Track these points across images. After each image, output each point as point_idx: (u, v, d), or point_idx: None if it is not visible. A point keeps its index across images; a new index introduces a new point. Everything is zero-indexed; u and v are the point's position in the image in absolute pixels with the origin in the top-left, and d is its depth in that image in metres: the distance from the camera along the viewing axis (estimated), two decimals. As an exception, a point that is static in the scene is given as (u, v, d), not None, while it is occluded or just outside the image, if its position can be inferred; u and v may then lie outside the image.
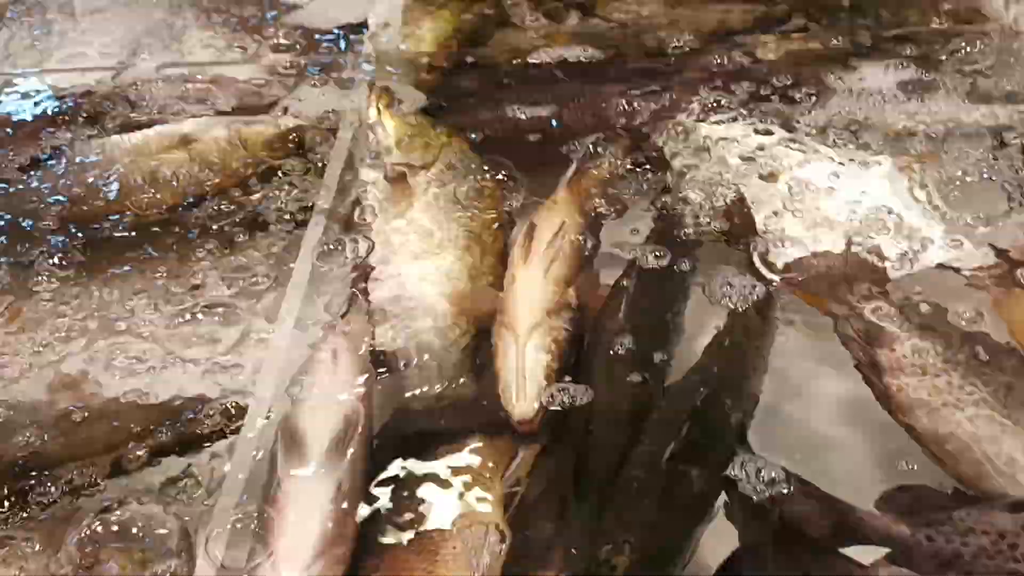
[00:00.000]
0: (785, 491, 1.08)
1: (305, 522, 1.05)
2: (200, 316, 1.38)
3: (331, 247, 1.45)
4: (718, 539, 1.09)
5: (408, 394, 1.28)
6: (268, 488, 1.10)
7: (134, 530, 1.07)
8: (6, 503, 1.13)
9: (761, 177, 1.49)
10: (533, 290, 1.28)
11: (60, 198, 1.56)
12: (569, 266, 1.34)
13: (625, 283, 1.34)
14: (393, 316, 1.35)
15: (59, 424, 1.22)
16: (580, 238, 1.39)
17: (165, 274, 1.44)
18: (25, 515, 1.12)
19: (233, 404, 1.24)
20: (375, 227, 1.48)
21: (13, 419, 1.23)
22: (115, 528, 1.07)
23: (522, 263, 1.32)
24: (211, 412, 1.23)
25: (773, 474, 1.09)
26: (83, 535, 1.06)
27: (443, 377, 1.30)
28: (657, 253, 1.35)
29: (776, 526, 1.07)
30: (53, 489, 1.14)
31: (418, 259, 1.42)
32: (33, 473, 1.16)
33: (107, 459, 1.17)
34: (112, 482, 1.16)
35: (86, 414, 1.23)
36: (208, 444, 1.21)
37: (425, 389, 1.29)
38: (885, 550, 1.05)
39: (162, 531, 1.08)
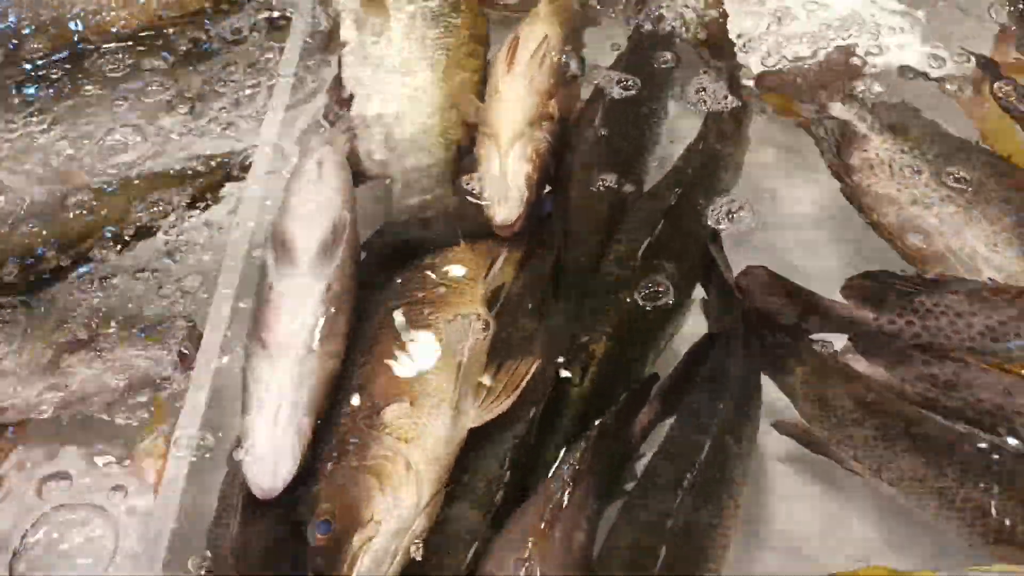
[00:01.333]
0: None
1: (297, 319, 1.11)
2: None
3: (309, 65, 1.45)
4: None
5: (397, 206, 1.32)
6: (261, 292, 1.14)
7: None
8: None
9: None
10: (516, 101, 1.30)
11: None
12: (551, 78, 1.35)
13: (602, 94, 1.35)
14: (375, 129, 1.37)
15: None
16: (562, 50, 1.39)
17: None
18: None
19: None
20: (352, 42, 1.48)
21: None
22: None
23: (505, 74, 1.33)
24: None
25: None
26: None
27: (425, 189, 1.34)
28: (624, 79, 1.36)
29: (745, 314, 1.13)
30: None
31: (397, 73, 1.43)
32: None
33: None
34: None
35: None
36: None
37: (410, 200, 1.33)
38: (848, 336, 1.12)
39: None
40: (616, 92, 1.33)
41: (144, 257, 1.25)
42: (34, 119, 1.40)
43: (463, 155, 1.36)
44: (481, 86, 1.43)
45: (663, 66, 1.39)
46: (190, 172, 1.34)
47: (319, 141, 1.34)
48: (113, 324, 1.14)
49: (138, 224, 1.27)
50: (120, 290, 1.21)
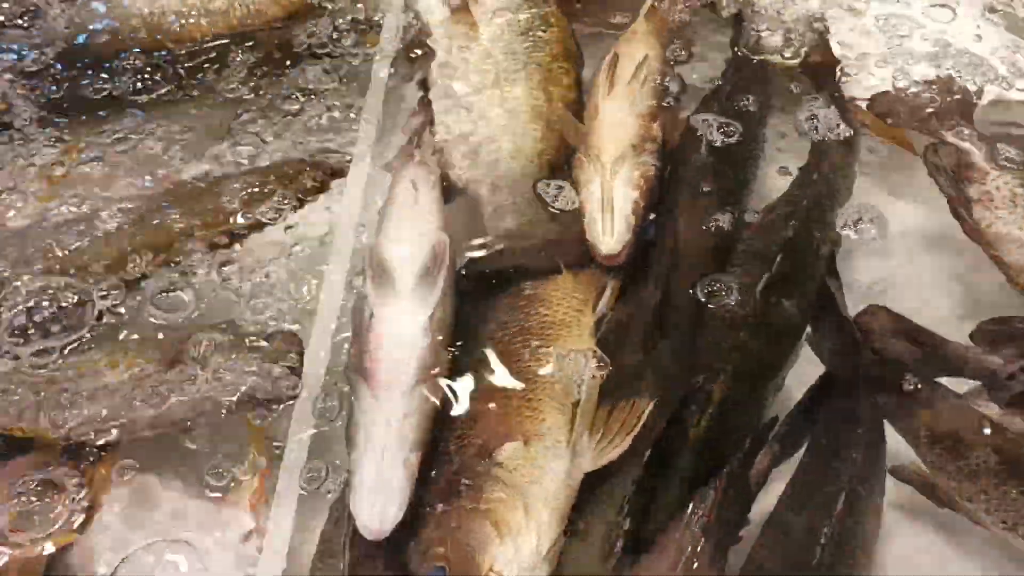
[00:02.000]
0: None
1: (401, 350, 1.06)
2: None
3: (398, 83, 1.41)
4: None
5: (488, 227, 1.27)
6: (361, 321, 1.10)
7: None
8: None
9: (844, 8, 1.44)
10: (618, 122, 1.25)
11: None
12: (653, 99, 1.30)
13: (706, 117, 1.31)
14: (462, 147, 1.33)
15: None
16: (662, 70, 1.35)
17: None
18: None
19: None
20: (439, 59, 1.44)
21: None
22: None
23: (606, 94, 1.29)
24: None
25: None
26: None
27: (519, 211, 1.29)
28: (726, 124, 1.32)
29: (866, 357, 1.08)
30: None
31: (486, 90, 1.38)
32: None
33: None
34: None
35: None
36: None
37: (502, 223, 1.29)
38: (976, 382, 1.07)
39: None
40: (718, 139, 1.28)
41: (248, 274, 1.21)
42: (127, 124, 1.37)
43: (554, 175, 1.31)
44: (575, 104, 1.38)
45: (763, 98, 1.34)
46: (286, 175, 1.30)
47: (409, 161, 1.29)
48: (217, 340, 1.09)
49: (233, 230, 1.24)
50: (223, 306, 1.17)
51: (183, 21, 1.47)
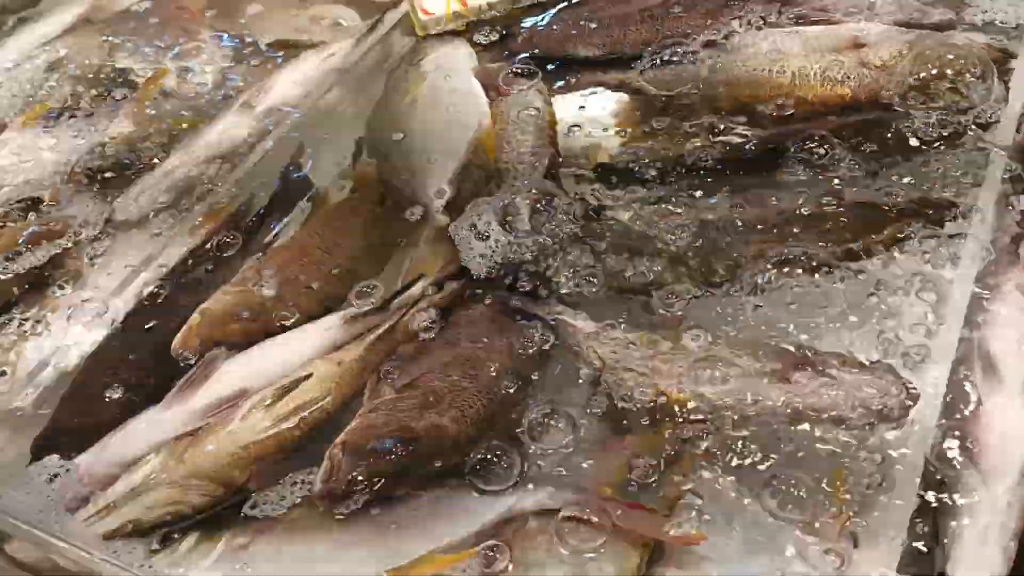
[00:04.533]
0: None
1: (1011, 445, 1.13)
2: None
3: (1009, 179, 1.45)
4: None
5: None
6: (967, 406, 1.18)
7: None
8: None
9: None
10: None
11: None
12: None
13: None
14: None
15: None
16: None
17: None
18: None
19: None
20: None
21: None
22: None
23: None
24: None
25: None
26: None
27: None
28: None
29: None
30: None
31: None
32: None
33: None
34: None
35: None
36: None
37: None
38: None
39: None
40: None
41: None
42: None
43: None
44: None
45: None
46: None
47: (1016, 261, 1.35)
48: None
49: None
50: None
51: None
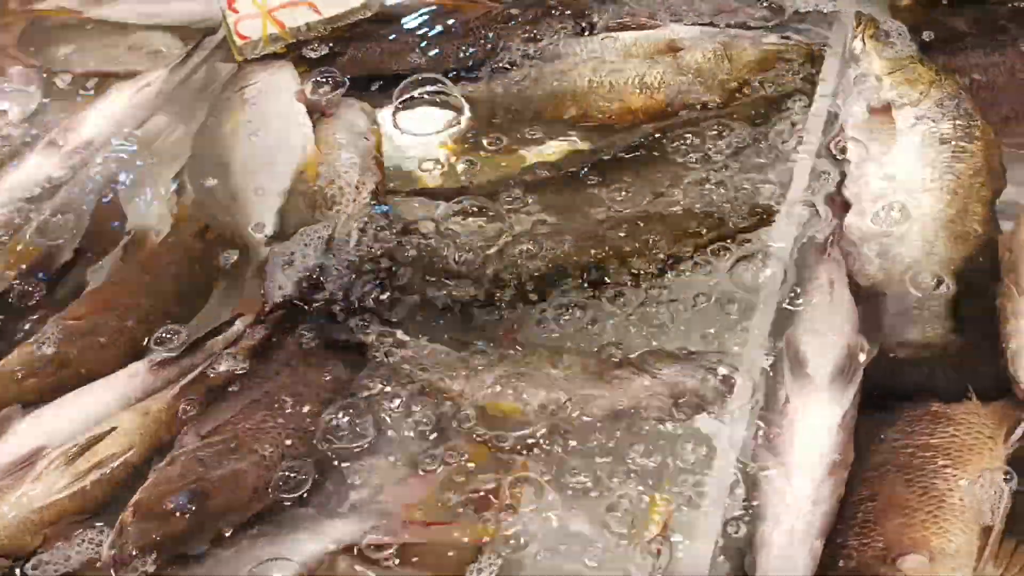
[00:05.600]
0: None
1: (814, 441, 1.14)
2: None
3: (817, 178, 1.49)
4: None
5: (891, 333, 1.32)
6: (775, 399, 1.19)
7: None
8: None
9: None
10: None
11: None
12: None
13: None
14: (871, 244, 1.39)
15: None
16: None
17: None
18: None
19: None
20: (855, 159, 1.50)
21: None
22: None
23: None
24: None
25: None
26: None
27: (922, 320, 1.33)
28: None
29: None
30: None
31: (901, 192, 1.43)
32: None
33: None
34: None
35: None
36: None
37: (906, 333, 1.33)
38: None
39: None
40: None
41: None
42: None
43: (959, 293, 1.34)
44: (988, 224, 1.40)
45: None
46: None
47: (824, 260, 1.37)
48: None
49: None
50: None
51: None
